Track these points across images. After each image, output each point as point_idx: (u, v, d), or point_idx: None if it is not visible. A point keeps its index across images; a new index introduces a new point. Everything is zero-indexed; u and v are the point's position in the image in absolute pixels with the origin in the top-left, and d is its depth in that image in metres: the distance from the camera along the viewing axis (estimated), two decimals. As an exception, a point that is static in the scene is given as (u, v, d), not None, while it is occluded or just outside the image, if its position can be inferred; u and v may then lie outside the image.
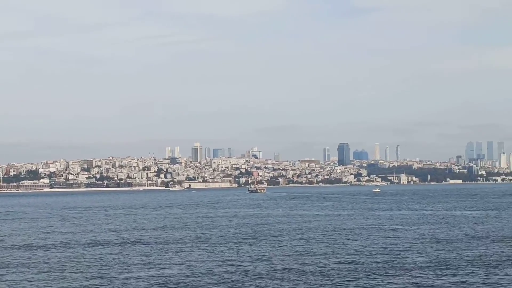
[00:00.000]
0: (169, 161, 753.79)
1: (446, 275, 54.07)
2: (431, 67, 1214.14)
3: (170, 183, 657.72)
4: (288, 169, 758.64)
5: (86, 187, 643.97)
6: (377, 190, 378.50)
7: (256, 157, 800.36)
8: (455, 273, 54.69)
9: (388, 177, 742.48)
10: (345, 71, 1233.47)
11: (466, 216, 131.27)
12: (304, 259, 64.60)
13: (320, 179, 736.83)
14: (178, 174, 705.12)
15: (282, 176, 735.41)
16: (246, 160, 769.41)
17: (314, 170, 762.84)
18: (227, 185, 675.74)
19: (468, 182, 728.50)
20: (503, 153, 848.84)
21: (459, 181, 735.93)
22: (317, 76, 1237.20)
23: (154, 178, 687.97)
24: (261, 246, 77.21)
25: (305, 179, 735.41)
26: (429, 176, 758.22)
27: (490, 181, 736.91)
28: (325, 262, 62.04)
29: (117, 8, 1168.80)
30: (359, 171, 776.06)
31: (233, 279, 53.56)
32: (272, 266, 59.99)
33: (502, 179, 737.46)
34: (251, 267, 59.37)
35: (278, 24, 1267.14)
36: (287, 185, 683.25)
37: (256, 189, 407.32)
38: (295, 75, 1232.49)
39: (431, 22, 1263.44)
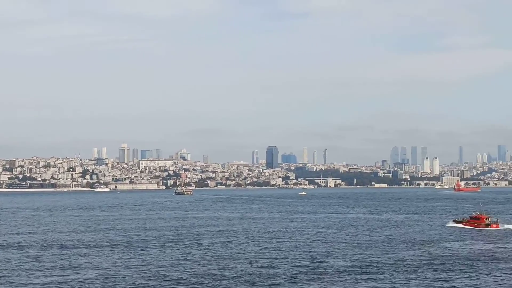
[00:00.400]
0: (95, 162, 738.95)
1: (367, 279, 53.76)
2: (357, 73, 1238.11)
3: (96, 184, 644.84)
4: (217, 171, 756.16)
5: (8, 188, 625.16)
6: (303, 193, 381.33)
7: (185, 159, 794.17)
8: (375, 278, 54.45)
9: (316, 180, 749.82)
10: (274, 73, 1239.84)
11: (389, 219, 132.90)
12: (226, 263, 63.27)
13: (248, 182, 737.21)
14: (104, 175, 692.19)
15: (211, 178, 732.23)
16: (175, 162, 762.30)
17: (242, 172, 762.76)
18: (155, 187, 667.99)
19: (393, 186, 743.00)
20: (427, 158, 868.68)
21: (384, 185, 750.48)
22: (247, 80, 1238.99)
23: (80, 179, 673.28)
24: (183, 250, 75.48)
25: (234, 181, 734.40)
26: (355, 180, 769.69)
27: (414, 185, 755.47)
28: (246, 266, 60.87)
29: (41, 6, 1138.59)
30: (287, 174, 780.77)
31: (148, 284, 51.72)
32: (192, 270, 58.41)
33: (425, 184, 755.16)
34: (170, 272, 57.62)
35: (210, 27, 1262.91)
36: (216, 188, 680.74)
37: (183, 191, 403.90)
38: (226, 78, 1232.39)
39: (359, 29, 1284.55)
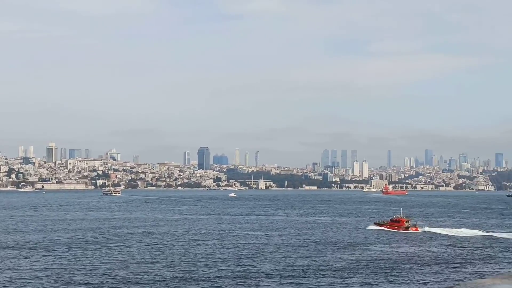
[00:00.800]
0: (21, 160, 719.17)
1: (292, 283, 52.51)
2: (291, 76, 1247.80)
3: (22, 183, 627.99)
4: (147, 172, 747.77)
5: None
6: (233, 194, 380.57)
7: (115, 159, 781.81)
8: (300, 282, 53.26)
9: (247, 182, 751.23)
10: (207, 75, 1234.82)
11: (317, 222, 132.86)
12: (148, 267, 60.91)
13: (179, 183, 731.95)
14: (31, 174, 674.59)
15: (141, 179, 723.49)
16: (104, 162, 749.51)
17: (173, 173, 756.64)
18: (83, 187, 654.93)
19: (323, 188, 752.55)
20: (356, 161, 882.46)
21: (315, 188, 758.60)
22: (180, 81, 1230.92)
23: (5, 178, 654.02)
24: (103, 253, 72.55)
25: (164, 182, 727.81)
26: (286, 182, 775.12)
27: (344, 188, 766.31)
28: (168, 270, 58.69)
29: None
30: (219, 176, 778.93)
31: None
32: (110, 275, 55.82)
33: (355, 187, 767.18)
34: (86, 277, 54.85)
35: (143, 27, 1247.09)
36: (146, 188, 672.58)
37: (111, 191, 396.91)
38: (158, 79, 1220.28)
39: (294, 32, 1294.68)
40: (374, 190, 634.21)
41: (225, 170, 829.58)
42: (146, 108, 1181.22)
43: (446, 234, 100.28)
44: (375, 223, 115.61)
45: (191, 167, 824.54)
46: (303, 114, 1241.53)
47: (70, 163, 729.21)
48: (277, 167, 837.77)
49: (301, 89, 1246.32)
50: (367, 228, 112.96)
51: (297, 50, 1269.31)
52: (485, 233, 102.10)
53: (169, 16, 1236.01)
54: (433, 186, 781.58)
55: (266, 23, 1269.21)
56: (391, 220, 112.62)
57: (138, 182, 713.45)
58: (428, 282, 54.08)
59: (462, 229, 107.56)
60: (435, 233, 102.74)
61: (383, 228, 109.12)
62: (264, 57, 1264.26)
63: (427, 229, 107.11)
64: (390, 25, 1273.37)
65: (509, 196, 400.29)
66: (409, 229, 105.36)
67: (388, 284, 53.04)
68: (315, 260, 66.92)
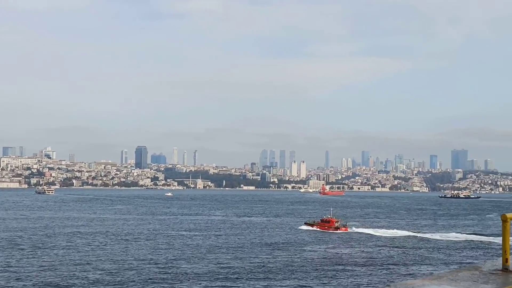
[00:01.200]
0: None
1: (223, 286, 51.10)
2: (230, 76, 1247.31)
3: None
4: (83, 170, 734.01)
5: None
6: (169, 194, 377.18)
7: (50, 157, 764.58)
8: (234, 284, 51.89)
9: (185, 182, 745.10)
10: (146, 72, 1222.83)
11: (254, 222, 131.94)
12: (74, 269, 58.50)
13: (116, 182, 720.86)
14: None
15: (77, 177, 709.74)
16: (39, 160, 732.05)
17: (110, 172, 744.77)
18: (16, 185, 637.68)
19: (261, 188, 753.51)
20: (294, 161, 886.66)
21: (253, 188, 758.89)
22: (118, 78, 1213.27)
23: None
24: (29, 254, 69.53)
25: (101, 181, 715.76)
26: (224, 182, 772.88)
27: (282, 188, 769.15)
28: (95, 273, 56.38)
29: None
30: (156, 175, 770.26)
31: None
32: (34, 279, 53.23)
33: (293, 187, 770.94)
34: (7, 282, 52.09)
35: (82, 22, 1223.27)
36: (82, 187, 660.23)
37: (45, 190, 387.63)
38: (95, 76, 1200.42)
39: (232, 33, 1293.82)
40: (311, 190, 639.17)
41: (163, 169, 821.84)
42: (82, 105, 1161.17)
43: (376, 235, 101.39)
44: (306, 223, 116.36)
45: (129, 166, 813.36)
46: (242, 115, 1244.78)
47: (4, 161, 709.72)
48: (216, 167, 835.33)
49: (239, 90, 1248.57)
50: (298, 228, 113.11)
51: (235, 51, 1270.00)
52: (416, 234, 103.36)
53: (105, 13, 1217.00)
54: (370, 186, 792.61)
55: (205, 23, 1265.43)
56: (322, 221, 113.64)
57: (74, 181, 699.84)
58: (360, 284, 53.58)
59: (394, 230, 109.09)
60: (365, 233, 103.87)
61: (313, 228, 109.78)
62: (202, 57, 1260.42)
63: (356, 229, 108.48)
64: (327, 27, 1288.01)
65: (441, 197, 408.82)
66: (338, 229, 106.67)
67: (323, 286, 52.24)
68: (249, 261, 65.73)
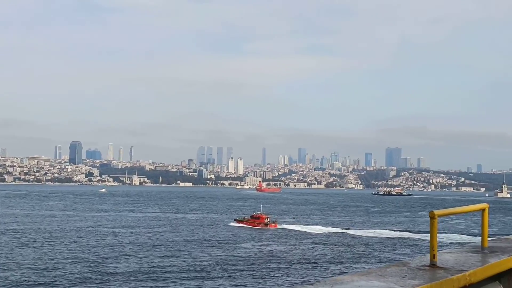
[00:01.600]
0: None
1: (154, 286, 50.03)
2: (167, 72, 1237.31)
3: None
4: (15, 165, 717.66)
5: None
6: (103, 190, 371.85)
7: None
8: (163, 284, 50.89)
9: (120, 178, 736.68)
10: (81, 65, 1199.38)
11: (188, 219, 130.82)
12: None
13: (49, 178, 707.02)
14: None
15: (8, 173, 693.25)
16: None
17: (43, 168, 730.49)
18: None
19: (198, 185, 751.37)
20: (232, 158, 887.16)
21: (189, 184, 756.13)
22: (53, 71, 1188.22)
23: None
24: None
25: (34, 176, 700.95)
26: (161, 178, 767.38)
27: (219, 185, 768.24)
28: (17, 273, 54.42)
29: None
30: (91, 171, 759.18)
31: None
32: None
33: (229, 183, 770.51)
34: None
35: (9, 11, 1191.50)
36: (13, 183, 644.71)
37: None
38: (28, 67, 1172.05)
39: (172, 28, 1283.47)
40: (247, 187, 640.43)
41: (98, 165, 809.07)
42: (14, 97, 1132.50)
43: (306, 232, 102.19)
44: (235, 220, 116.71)
45: (62, 162, 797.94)
46: (179, 111, 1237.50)
47: None
48: (152, 163, 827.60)
49: (177, 85, 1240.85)
50: (229, 224, 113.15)
51: (174, 46, 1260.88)
52: (347, 231, 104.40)
53: (38, 3, 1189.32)
54: (306, 183, 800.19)
55: (144, 18, 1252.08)
56: (251, 217, 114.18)
57: (5, 176, 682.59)
58: (289, 281, 53.36)
59: (324, 226, 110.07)
60: (294, 230, 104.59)
61: (243, 224, 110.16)
62: (141, 51, 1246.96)
63: (285, 226, 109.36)
64: (266, 25, 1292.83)
65: (374, 194, 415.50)
66: (268, 225, 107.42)
67: (257, 284, 51.82)
68: (180, 259, 64.88)
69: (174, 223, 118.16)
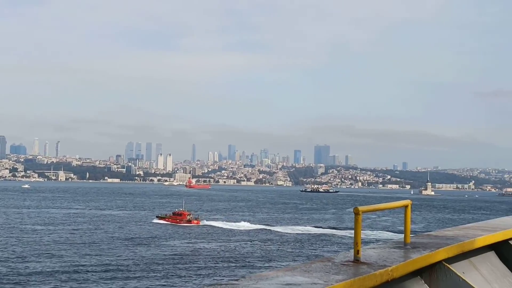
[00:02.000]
0: None
1: (76, 286, 48.24)
2: (95, 66, 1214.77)
3: None
4: None
5: None
6: (27, 186, 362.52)
7: None
8: (85, 285, 49.11)
9: (46, 173, 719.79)
10: (9, 58, 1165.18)
11: (115, 216, 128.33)
12: None
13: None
14: None
15: None
16: None
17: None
18: None
19: (126, 181, 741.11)
20: (161, 154, 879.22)
21: (117, 180, 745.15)
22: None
23: None
24: None
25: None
26: (88, 174, 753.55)
27: (147, 181, 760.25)
28: None
29: None
30: (15, 166, 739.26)
31: None
32: None
33: (158, 180, 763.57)
34: None
35: None
36: None
37: None
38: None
39: (100, 22, 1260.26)
40: (175, 183, 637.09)
41: (22, 160, 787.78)
42: None
43: (228, 228, 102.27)
44: (158, 217, 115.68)
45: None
46: (107, 106, 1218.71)
47: None
48: (79, 158, 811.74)
49: (106, 80, 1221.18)
50: (151, 221, 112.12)
51: (101, 40, 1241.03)
52: (271, 227, 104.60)
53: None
54: (235, 180, 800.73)
55: (68, 11, 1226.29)
56: (173, 214, 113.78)
57: None
58: (212, 278, 52.57)
59: (246, 223, 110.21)
60: (217, 226, 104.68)
61: (166, 221, 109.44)
62: (65, 45, 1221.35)
63: (208, 222, 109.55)
64: (195, 21, 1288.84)
65: (302, 191, 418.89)
66: (190, 222, 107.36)
67: (180, 283, 50.81)
68: (107, 257, 63.09)
69: (99, 220, 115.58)
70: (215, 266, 59.37)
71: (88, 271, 54.67)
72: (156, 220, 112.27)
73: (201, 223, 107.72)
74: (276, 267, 58.70)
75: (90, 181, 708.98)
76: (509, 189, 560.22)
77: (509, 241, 8.85)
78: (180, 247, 74.03)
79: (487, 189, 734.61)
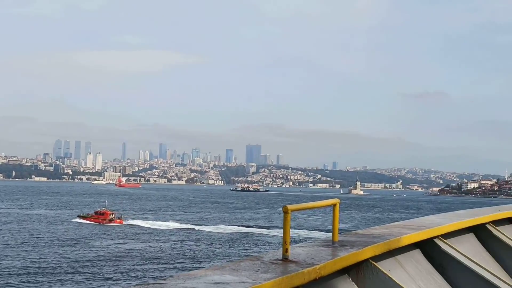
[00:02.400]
0: None
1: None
2: (23, 59, 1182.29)
3: None
4: None
5: None
6: None
7: None
8: None
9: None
10: None
11: (39, 215, 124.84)
12: None
13: None
14: None
15: None
16: None
17: None
18: None
19: (54, 180, 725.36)
20: (90, 153, 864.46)
21: (45, 179, 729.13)
22: None
23: None
24: None
25: None
26: (14, 172, 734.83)
27: (76, 180, 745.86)
28: None
29: None
30: None
31: None
32: None
33: (87, 178, 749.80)
34: None
35: None
36: None
37: None
38: None
39: (23, 13, 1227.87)
40: (104, 182, 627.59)
41: None
42: None
43: (151, 227, 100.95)
44: (79, 216, 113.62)
45: None
46: (33, 101, 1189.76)
47: None
48: (5, 156, 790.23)
49: (32, 74, 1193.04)
50: (72, 221, 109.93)
51: (32, 34, 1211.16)
52: (201, 227, 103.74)
53: None
54: (166, 179, 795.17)
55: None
56: (95, 213, 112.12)
57: None
58: (137, 278, 51.32)
59: (171, 222, 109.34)
60: (140, 226, 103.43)
61: (88, 221, 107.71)
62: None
63: (131, 221, 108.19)
64: (124, 17, 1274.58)
65: (232, 190, 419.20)
66: (113, 221, 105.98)
67: (106, 284, 49.30)
68: (25, 258, 60.77)
69: (21, 219, 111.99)
70: (142, 268, 58.08)
71: (7, 274, 52.48)
72: (77, 219, 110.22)
73: (124, 223, 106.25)
74: (205, 266, 57.77)
75: (16, 179, 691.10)
76: (435, 189, 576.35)
77: (434, 239, 9.05)
78: (105, 248, 72.25)
79: (414, 189, 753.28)
